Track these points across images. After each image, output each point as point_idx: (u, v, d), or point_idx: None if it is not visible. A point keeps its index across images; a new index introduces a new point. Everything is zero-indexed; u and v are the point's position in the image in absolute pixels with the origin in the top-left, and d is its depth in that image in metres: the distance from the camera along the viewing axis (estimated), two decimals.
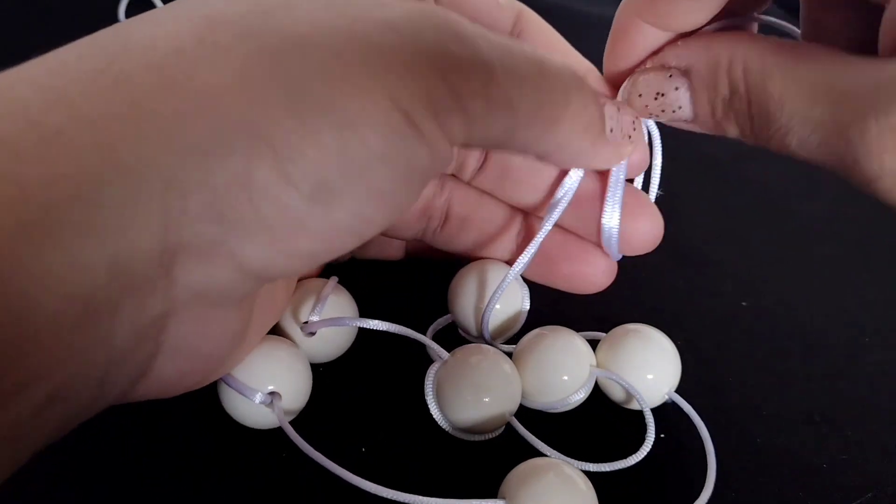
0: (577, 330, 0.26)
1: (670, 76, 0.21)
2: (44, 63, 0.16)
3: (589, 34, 0.26)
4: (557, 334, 0.25)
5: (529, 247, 0.24)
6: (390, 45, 0.17)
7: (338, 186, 0.17)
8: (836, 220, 0.35)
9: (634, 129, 0.22)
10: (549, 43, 0.25)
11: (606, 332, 0.26)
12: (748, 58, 0.19)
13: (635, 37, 0.22)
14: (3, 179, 0.14)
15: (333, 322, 0.25)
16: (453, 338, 0.27)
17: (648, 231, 0.25)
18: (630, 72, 0.22)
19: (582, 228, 0.26)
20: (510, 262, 0.25)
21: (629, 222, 0.25)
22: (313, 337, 0.24)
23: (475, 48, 0.18)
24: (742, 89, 0.19)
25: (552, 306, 0.28)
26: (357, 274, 0.27)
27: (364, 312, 0.26)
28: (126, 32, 0.17)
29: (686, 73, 0.21)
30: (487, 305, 0.25)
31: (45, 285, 0.14)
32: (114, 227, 0.15)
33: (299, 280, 0.26)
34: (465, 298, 0.26)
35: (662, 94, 0.21)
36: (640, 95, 0.22)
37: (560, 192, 0.24)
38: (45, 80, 0.16)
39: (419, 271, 0.30)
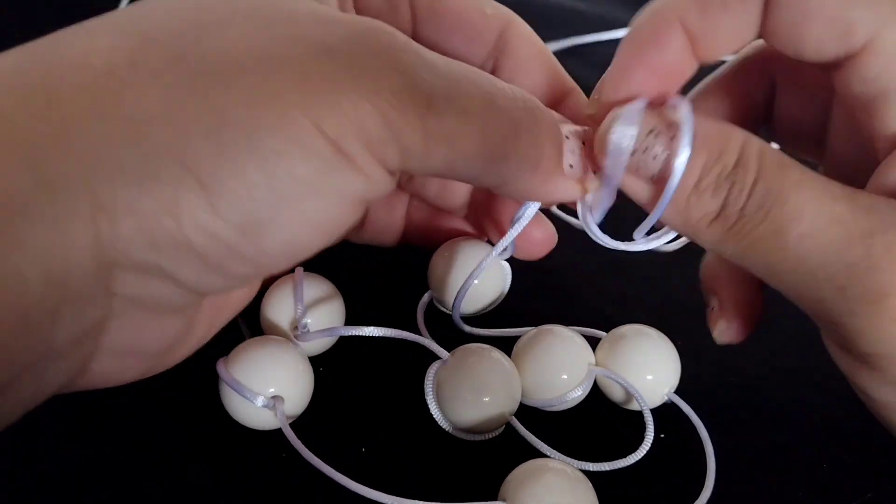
0: (577, 330, 0.26)
1: (669, 125, 0.20)
2: None
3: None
4: (557, 332, 0.25)
5: (509, 233, 0.24)
6: (323, 73, 0.17)
7: (266, 219, 0.17)
8: None
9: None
10: (532, 56, 0.24)
11: (606, 332, 0.26)
12: (765, 145, 0.19)
13: (665, 47, 0.20)
14: None
15: (328, 332, 0.25)
16: (452, 335, 0.27)
17: (542, 238, 0.27)
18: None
19: None
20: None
21: (526, 230, 0.24)
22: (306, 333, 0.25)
23: (415, 79, 0.18)
24: (754, 163, 0.19)
25: (552, 306, 0.28)
26: (345, 263, 0.27)
27: (354, 304, 0.26)
28: (65, 44, 0.17)
29: (690, 133, 0.19)
30: (464, 285, 0.26)
31: None
32: (45, 242, 0.15)
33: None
34: (443, 275, 0.27)
35: (656, 134, 0.19)
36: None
37: (516, 219, 0.24)
38: None
39: (408, 257, 0.29)
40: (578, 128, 0.21)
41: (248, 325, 0.26)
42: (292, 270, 0.26)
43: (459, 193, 0.27)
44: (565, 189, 0.21)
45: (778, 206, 0.19)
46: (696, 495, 0.23)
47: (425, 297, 0.28)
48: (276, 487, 0.23)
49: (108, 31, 0.18)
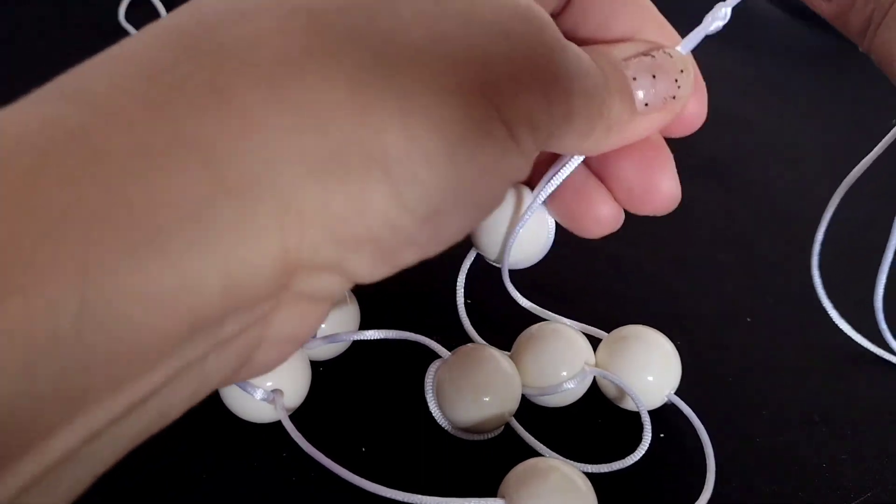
0: (579, 326, 0.26)
1: None
2: (137, 67, 0.15)
3: None
4: (557, 328, 0.25)
5: (553, 176, 0.22)
6: (504, 58, 0.17)
7: (448, 206, 0.17)
8: (835, 220, 0.35)
9: (679, 87, 0.20)
10: None
11: (608, 332, 0.26)
12: None
13: None
14: (115, 201, 0.13)
15: (330, 339, 0.25)
16: (457, 337, 0.27)
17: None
18: None
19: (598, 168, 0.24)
20: None
21: (650, 180, 0.22)
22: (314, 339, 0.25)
23: (568, 64, 0.18)
24: None
25: (553, 306, 0.28)
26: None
27: (368, 308, 0.26)
28: (224, 30, 0.16)
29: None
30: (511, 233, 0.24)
31: (154, 307, 0.13)
32: (226, 248, 0.14)
33: None
34: (488, 226, 0.25)
35: None
36: None
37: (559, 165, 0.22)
38: (145, 89, 0.15)
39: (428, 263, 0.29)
40: (645, 59, 0.20)
41: None
42: None
43: None
44: (648, 124, 0.20)
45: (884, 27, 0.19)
46: (697, 495, 0.23)
47: (470, 256, 0.26)
48: (275, 483, 0.23)
49: (269, 9, 0.16)
